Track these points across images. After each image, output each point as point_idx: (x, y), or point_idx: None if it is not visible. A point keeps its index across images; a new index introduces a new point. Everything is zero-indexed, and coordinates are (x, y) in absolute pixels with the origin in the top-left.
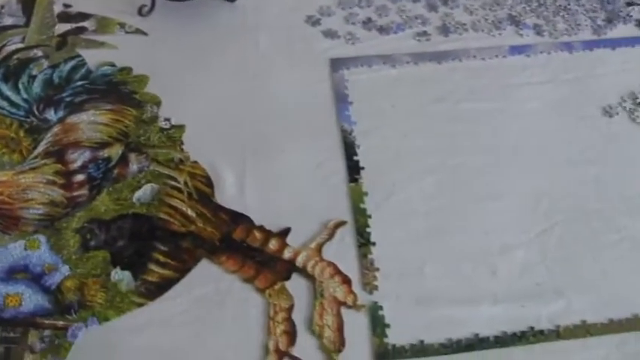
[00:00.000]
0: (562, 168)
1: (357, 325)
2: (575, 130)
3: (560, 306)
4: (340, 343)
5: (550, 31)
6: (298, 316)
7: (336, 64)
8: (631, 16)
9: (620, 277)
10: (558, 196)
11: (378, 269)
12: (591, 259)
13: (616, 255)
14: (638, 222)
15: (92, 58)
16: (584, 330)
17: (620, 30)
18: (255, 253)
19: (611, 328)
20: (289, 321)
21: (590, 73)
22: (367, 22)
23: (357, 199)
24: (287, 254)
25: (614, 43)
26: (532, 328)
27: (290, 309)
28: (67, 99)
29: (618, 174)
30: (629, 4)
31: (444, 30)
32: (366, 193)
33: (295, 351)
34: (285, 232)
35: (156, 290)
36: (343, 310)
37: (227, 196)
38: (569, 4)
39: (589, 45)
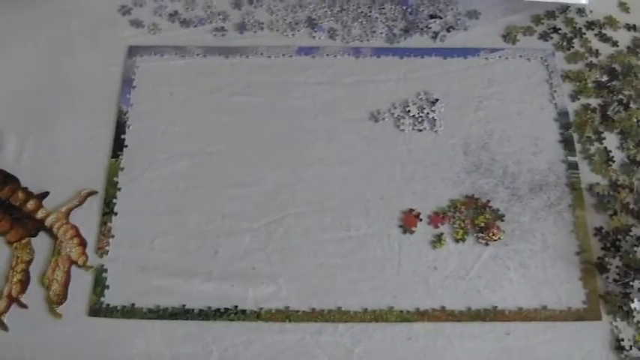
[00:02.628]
0: (312, 165)
1: (82, 283)
2: (336, 131)
3: (269, 290)
4: (63, 297)
5: (343, 36)
6: (36, 270)
7: (133, 51)
8: (430, 28)
9: (334, 271)
10: (299, 190)
11: (113, 236)
12: (311, 251)
13: (338, 251)
14: (370, 223)
15: None
16: (284, 315)
17: (415, 40)
18: (13, 210)
19: (312, 316)
20: (26, 272)
21: (371, 79)
22: (173, 15)
23: (112, 173)
24: (40, 214)
25: (404, 52)
26: (236, 307)
27: (29, 262)
28: None
29: (365, 176)
30: (432, 17)
31: (241, 27)
32: (122, 169)
33: (24, 298)
34: (43, 195)
35: None
36: (73, 269)
37: (7, 159)
38: (370, 12)
39: (378, 52)
